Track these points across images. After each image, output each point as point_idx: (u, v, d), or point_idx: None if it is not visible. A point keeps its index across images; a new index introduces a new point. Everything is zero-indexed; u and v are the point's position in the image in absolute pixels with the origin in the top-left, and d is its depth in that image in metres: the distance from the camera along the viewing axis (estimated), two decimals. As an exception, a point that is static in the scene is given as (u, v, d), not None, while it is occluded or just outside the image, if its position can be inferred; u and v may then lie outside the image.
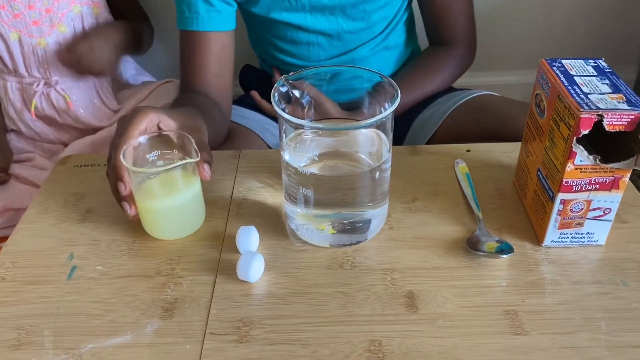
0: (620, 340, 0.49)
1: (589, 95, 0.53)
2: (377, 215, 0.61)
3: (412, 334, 0.50)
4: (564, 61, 0.59)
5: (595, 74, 0.57)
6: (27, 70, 1.05)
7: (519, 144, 0.73)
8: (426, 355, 0.49)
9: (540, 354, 0.48)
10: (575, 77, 0.56)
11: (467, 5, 0.96)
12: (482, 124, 0.87)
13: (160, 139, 0.60)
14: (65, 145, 1.12)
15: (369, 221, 0.59)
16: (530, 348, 0.49)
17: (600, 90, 0.54)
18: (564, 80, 0.55)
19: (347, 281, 0.56)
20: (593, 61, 0.59)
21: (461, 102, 0.92)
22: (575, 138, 0.51)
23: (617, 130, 0.51)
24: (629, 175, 0.54)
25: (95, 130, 1.10)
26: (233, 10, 0.86)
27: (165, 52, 1.56)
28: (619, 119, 0.50)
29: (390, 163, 0.59)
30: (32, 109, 1.07)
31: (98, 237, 0.63)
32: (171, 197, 0.60)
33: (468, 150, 0.74)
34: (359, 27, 0.92)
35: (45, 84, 1.05)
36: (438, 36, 0.99)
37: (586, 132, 0.51)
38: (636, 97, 0.52)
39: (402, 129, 0.97)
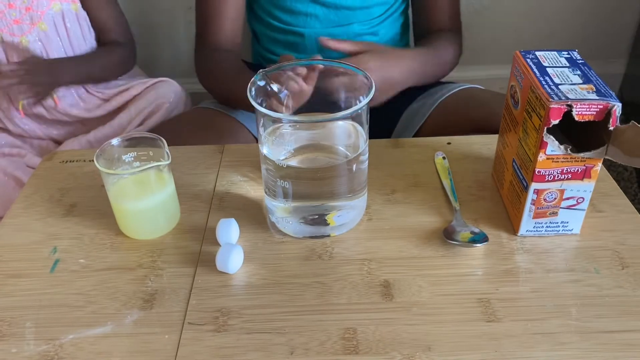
0: (590, 326, 0.50)
1: (559, 86, 0.53)
2: (356, 206, 0.62)
3: (386, 322, 0.51)
4: (537, 53, 0.60)
5: (568, 65, 0.58)
6: None
7: (497, 136, 0.74)
8: (399, 342, 0.49)
9: (511, 340, 0.49)
10: (547, 69, 0.57)
11: None
12: (469, 116, 0.88)
13: (135, 140, 0.61)
14: (55, 140, 1.12)
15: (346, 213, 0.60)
16: (502, 335, 0.50)
17: (571, 81, 0.54)
18: (536, 72, 0.56)
19: (325, 271, 0.57)
20: (567, 52, 0.60)
21: (449, 94, 0.93)
22: (545, 128, 0.52)
23: (587, 120, 0.51)
24: (600, 164, 0.55)
25: (84, 121, 1.11)
26: None
27: (155, 51, 1.57)
28: (587, 109, 0.51)
29: (367, 154, 0.60)
30: (20, 109, 1.07)
31: (82, 231, 0.64)
32: (145, 198, 0.60)
33: (449, 143, 0.75)
34: (357, 4, 0.96)
35: None
36: (427, 25, 1.01)
37: (556, 122, 0.52)
38: (606, 88, 0.53)
39: (390, 121, 0.98)
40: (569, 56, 0.59)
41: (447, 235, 0.59)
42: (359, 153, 0.58)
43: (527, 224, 0.59)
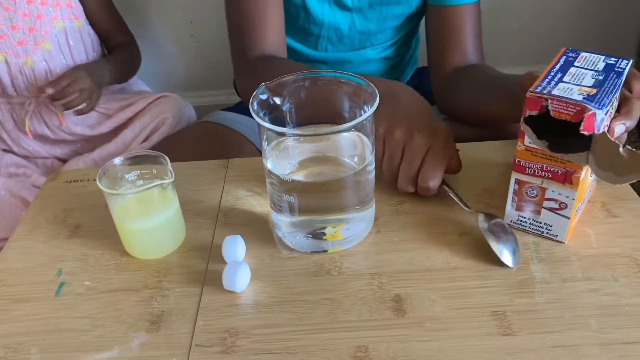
0: (610, 337, 0.49)
1: (559, 83, 0.52)
2: (364, 218, 0.60)
3: (399, 339, 0.50)
4: (583, 53, 0.57)
5: (600, 69, 0.54)
6: (15, 91, 1.06)
7: (508, 142, 0.72)
8: (414, 359, 0.48)
9: (529, 354, 0.48)
10: (572, 67, 0.55)
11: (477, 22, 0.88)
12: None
13: (137, 159, 0.61)
14: (59, 159, 1.12)
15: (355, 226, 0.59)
16: (519, 348, 0.48)
17: (580, 82, 0.52)
18: (556, 66, 0.55)
19: (334, 287, 0.55)
20: (615, 59, 0.56)
21: None
22: (523, 118, 0.52)
23: (563, 118, 0.50)
24: (582, 172, 0.53)
25: (88, 139, 1.11)
26: None
27: (158, 65, 1.57)
28: (564, 108, 0.49)
29: (374, 165, 0.58)
30: (27, 129, 1.07)
31: (87, 252, 0.63)
32: (150, 217, 0.59)
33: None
34: (372, 29, 0.93)
35: (36, 102, 1.06)
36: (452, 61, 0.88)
37: (533, 113, 0.51)
38: (606, 97, 0.50)
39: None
40: (614, 62, 0.55)
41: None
42: (366, 164, 0.57)
43: (510, 213, 0.59)
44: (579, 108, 0.49)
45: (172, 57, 1.57)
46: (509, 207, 0.59)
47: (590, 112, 0.49)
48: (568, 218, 0.56)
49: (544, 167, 0.54)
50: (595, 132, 0.50)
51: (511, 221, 0.60)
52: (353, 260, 0.58)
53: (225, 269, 0.55)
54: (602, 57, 0.57)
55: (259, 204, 0.67)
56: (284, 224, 0.60)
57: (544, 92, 0.50)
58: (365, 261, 0.58)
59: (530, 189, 0.56)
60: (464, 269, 0.56)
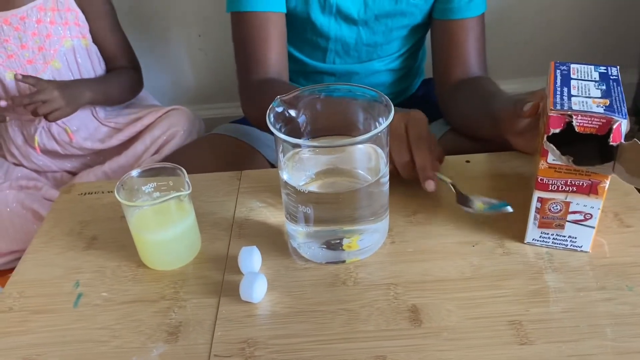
0: (627, 346, 0.49)
1: (572, 97, 0.53)
2: (379, 229, 0.61)
3: (417, 349, 0.50)
4: (572, 65, 0.59)
5: (598, 79, 0.56)
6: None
7: (516, 153, 0.73)
8: (431, 369, 0.48)
9: (546, 363, 0.48)
10: (572, 80, 0.56)
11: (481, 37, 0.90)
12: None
13: (154, 171, 0.61)
14: (69, 172, 1.13)
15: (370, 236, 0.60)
16: (537, 358, 0.49)
17: (589, 94, 0.53)
18: (558, 82, 0.55)
19: (350, 298, 0.56)
20: (604, 68, 0.58)
21: None
22: (545, 136, 0.52)
23: (588, 132, 0.51)
24: (607, 181, 0.53)
25: (98, 152, 1.12)
26: None
27: (167, 78, 1.59)
28: (589, 122, 0.50)
29: (388, 177, 0.59)
30: (36, 145, 1.08)
31: (103, 264, 0.63)
32: (167, 229, 0.60)
33: (467, 161, 0.74)
34: (378, 42, 0.94)
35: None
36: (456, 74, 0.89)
37: (556, 130, 0.51)
38: (621, 105, 0.52)
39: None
40: (605, 71, 0.58)
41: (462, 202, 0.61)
42: (380, 176, 0.57)
43: (532, 232, 0.59)
44: (604, 120, 0.50)
45: (181, 70, 1.58)
46: (531, 226, 0.58)
47: (617, 123, 0.49)
48: (593, 227, 0.57)
49: (568, 181, 0.54)
50: (623, 141, 0.51)
51: (533, 239, 0.59)
52: (368, 270, 0.59)
53: (243, 280, 0.56)
54: (592, 67, 0.58)
55: (272, 215, 0.68)
56: (299, 234, 0.60)
57: (565, 108, 0.51)
58: (381, 271, 0.59)
59: (554, 205, 0.56)
60: (478, 279, 0.57)
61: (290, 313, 0.55)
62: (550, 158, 0.53)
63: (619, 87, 0.55)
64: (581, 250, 0.59)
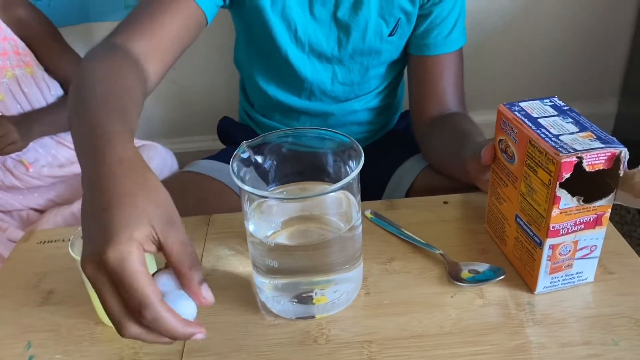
0: (615, 410, 0.46)
1: (560, 137, 0.51)
2: (353, 278, 0.58)
3: (392, 416, 0.47)
4: (522, 104, 0.58)
5: (556, 113, 0.56)
6: None
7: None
8: None
9: None
10: (539, 120, 0.55)
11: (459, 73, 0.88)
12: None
13: None
14: (36, 210, 1.08)
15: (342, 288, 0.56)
16: None
17: (568, 130, 0.52)
18: (531, 125, 0.54)
19: (322, 358, 0.52)
20: (548, 100, 0.58)
21: None
22: (558, 184, 0.50)
23: (597, 169, 0.49)
24: (609, 210, 0.53)
25: (62, 184, 1.07)
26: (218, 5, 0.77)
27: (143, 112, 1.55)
28: (596, 158, 0.49)
29: (360, 223, 0.56)
30: None
31: (58, 321, 0.59)
32: None
33: (445, 202, 0.72)
34: (355, 80, 0.91)
35: None
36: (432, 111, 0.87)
37: (567, 175, 0.49)
38: (603, 133, 0.52)
39: (381, 179, 0.94)
40: (552, 103, 0.58)
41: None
42: (352, 225, 0.54)
43: (544, 280, 0.56)
44: (609, 154, 0.49)
45: (153, 103, 1.55)
46: (542, 275, 0.56)
47: (622, 153, 0.49)
48: (597, 257, 0.56)
49: (577, 221, 0.53)
50: (626, 168, 0.50)
51: (544, 287, 0.57)
52: (341, 326, 0.55)
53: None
54: (538, 101, 0.58)
55: (241, 265, 0.64)
56: (267, 287, 0.57)
57: (571, 151, 0.49)
58: (355, 327, 0.55)
59: (564, 248, 0.54)
60: (457, 334, 0.54)
61: (257, 376, 0.51)
62: (563, 203, 0.51)
63: (580, 116, 0.55)
64: (586, 282, 0.58)
